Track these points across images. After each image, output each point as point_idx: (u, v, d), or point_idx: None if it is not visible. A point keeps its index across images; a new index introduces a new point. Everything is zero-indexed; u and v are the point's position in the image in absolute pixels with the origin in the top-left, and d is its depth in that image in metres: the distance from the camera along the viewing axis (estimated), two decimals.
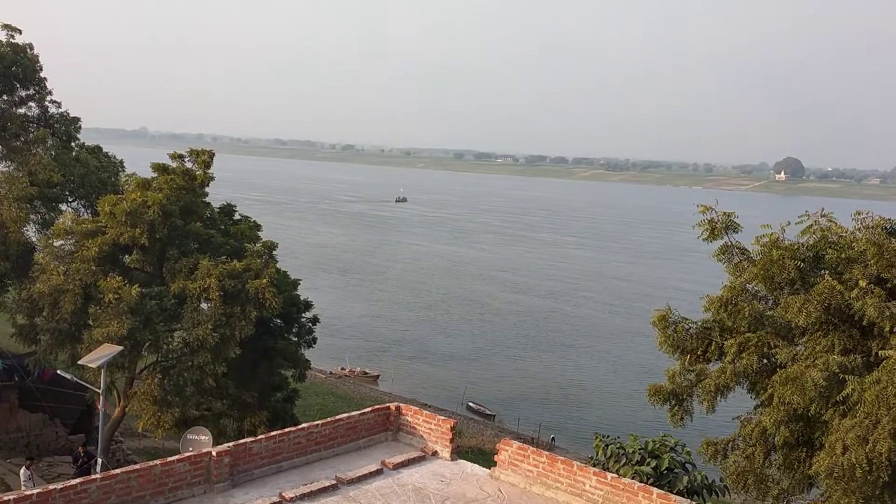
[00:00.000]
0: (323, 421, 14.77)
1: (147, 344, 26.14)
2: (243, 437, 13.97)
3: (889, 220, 17.85)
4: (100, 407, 23.76)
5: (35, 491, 10.77)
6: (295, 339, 31.66)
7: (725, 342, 18.24)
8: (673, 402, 19.11)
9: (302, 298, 32.16)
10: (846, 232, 18.07)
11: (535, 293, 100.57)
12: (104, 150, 37.48)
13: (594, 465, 17.34)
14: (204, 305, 26.36)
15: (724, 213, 19.12)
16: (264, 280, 25.92)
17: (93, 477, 11.59)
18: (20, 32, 33.24)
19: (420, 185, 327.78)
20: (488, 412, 55.70)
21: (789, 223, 18.53)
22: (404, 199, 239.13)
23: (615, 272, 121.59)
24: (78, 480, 11.24)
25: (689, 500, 12.36)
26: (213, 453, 12.66)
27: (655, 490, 12.27)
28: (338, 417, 15.03)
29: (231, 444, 13.25)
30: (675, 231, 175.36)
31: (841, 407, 15.72)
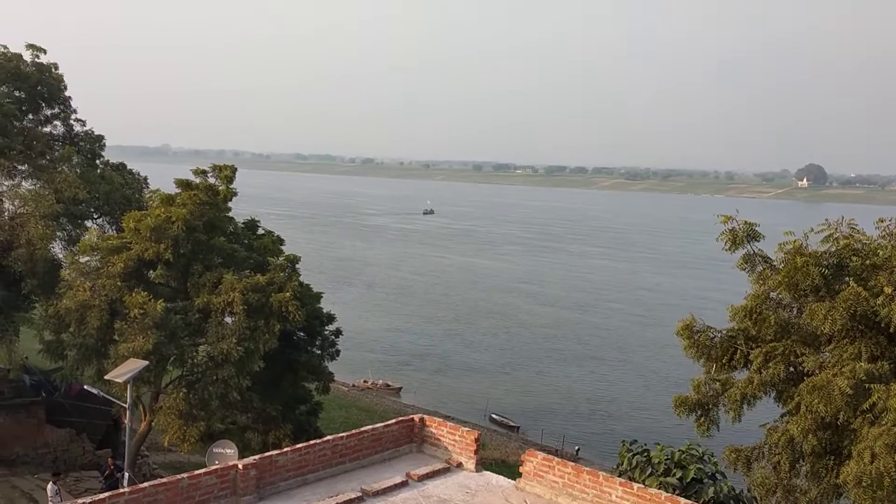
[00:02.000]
0: (348, 433, 14.77)
1: (172, 358, 26.35)
2: (268, 451, 14.01)
3: None
4: (126, 421, 23.96)
5: None
6: (318, 351, 31.76)
7: (752, 351, 18.14)
8: (699, 413, 19.00)
9: (325, 311, 32.28)
10: (869, 239, 17.94)
11: (561, 305, 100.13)
12: (128, 167, 37.98)
13: (620, 474, 17.23)
14: (228, 319, 26.54)
15: (745, 223, 19.05)
16: (288, 293, 26.06)
17: (121, 491, 11.67)
18: (45, 52, 33.82)
19: (441, 197, 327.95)
20: (512, 424, 55.52)
21: (812, 230, 18.41)
22: (431, 212, 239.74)
23: (642, 282, 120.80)
24: (106, 494, 11.33)
25: None
26: (240, 466, 12.71)
27: (682, 500, 12.16)
28: (362, 430, 15.02)
29: (257, 456, 13.29)
30: (700, 240, 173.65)
31: (869, 415, 15.55)
